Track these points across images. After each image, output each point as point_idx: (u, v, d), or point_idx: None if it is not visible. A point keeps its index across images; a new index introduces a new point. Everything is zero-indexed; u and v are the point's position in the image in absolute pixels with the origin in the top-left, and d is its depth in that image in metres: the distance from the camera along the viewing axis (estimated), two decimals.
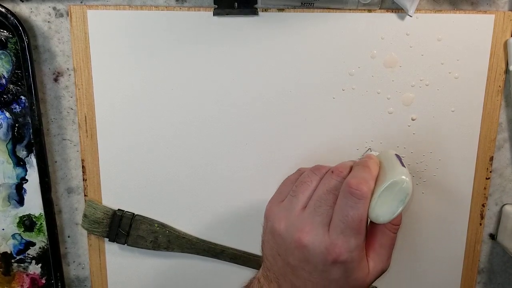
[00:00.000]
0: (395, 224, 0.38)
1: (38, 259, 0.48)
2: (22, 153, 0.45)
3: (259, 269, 0.48)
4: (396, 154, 0.40)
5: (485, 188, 0.48)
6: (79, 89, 0.44)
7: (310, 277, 0.36)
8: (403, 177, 0.36)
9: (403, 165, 0.38)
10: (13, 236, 0.47)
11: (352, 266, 0.35)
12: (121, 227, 0.46)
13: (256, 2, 0.42)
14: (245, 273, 0.49)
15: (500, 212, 0.50)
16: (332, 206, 0.36)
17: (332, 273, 0.35)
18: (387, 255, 0.38)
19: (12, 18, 0.41)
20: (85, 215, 0.46)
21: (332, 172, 0.38)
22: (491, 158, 0.47)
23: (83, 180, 0.46)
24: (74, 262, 0.50)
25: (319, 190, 0.37)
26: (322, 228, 0.35)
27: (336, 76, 0.44)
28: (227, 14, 0.42)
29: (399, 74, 0.44)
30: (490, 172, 0.47)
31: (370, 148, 0.47)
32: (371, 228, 0.38)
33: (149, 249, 0.47)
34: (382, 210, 0.36)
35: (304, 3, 0.42)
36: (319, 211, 0.36)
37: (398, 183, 0.36)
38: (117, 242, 0.47)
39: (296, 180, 0.40)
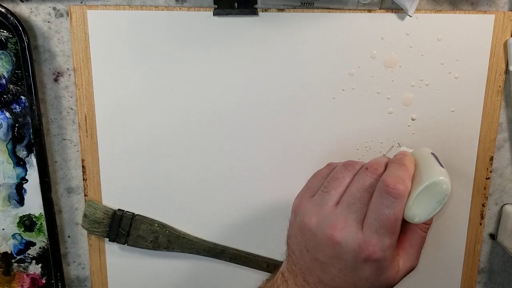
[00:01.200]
0: (427, 223, 0.38)
1: (38, 259, 0.48)
2: (22, 153, 0.45)
3: (259, 269, 0.48)
4: (432, 153, 0.39)
5: (485, 188, 0.48)
6: (79, 89, 0.44)
7: (339, 273, 0.36)
8: (443, 178, 0.35)
9: (441, 164, 0.37)
10: (13, 236, 0.47)
11: (384, 264, 0.35)
12: (121, 227, 0.46)
13: (256, 2, 0.42)
14: (245, 273, 0.49)
15: (500, 212, 0.50)
16: (367, 204, 0.35)
17: (363, 270, 0.35)
18: (416, 254, 0.38)
19: (12, 18, 0.41)
20: (85, 215, 0.46)
21: (367, 169, 0.37)
22: (491, 158, 0.47)
23: (83, 180, 0.46)
24: (74, 262, 0.50)
25: (353, 187, 0.36)
26: (355, 225, 0.35)
27: (336, 76, 0.44)
28: (227, 14, 0.42)
29: (399, 74, 0.44)
30: (490, 172, 0.47)
31: (399, 144, 0.46)
32: (402, 226, 0.37)
33: (149, 249, 0.47)
34: (419, 210, 0.35)
35: (304, 3, 0.42)
36: (353, 208, 0.35)
37: (438, 184, 0.35)
38: (117, 242, 0.47)
39: (327, 175, 0.39)
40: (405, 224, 0.37)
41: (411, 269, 0.38)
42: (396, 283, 0.37)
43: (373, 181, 0.36)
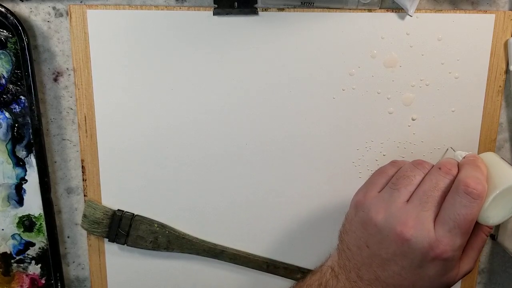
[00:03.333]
0: (490, 227, 0.38)
1: (37, 259, 0.48)
2: (21, 153, 0.45)
3: (259, 269, 0.48)
4: (502, 157, 0.39)
5: None
6: (78, 89, 0.44)
7: (400, 271, 0.36)
8: None
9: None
10: (13, 236, 0.47)
11: (451, 264, 0.35)
12: (121, 227, 0.46)
13: (256, 2, 0.42)
14: (245, 273, 0.49)
15: None
16: (440, 203, 0.36)
17: (428, 269, 0.35)
18: (475, 257, 0.38)
19: (11, 18, 0.41)
20: (84, 215, 0.46)
21: (440, 169, 0.37)
22: None
23: (83, 180, 0.46)
24: (74, 262, 0.49)
25: (426, 185, 0.37)
26: (428, 223, 0.35)
27: (336, 76, 0.44)
28: (227, 14, 0.42)
29: (399, 74, 0.44)
30: None
31: (451, 147, 0.45)
32: None
33: (149, 249, 0.47)
34: (494, 212, 0.36)
35: (304, 3, 0.42)
36: (425, 206, 0.35)
37: None
38: (117, 243, 0.47)
39: (393, 173, 0.39)
40: None
41: (469, 271, 0.38)
42: (453, 285, 0.37)
43: (447, 181, 0.36)
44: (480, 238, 0.38)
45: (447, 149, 0.46)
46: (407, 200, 0.37)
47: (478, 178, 0.35)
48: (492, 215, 0.36)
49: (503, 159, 0.39)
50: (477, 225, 0.37)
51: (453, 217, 0.34)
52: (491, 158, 0.39)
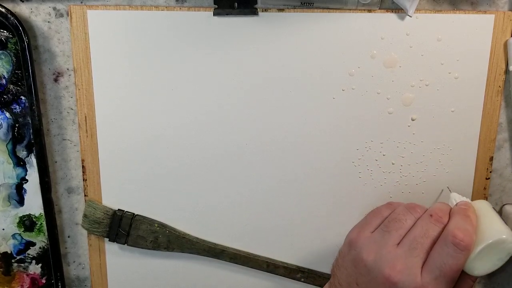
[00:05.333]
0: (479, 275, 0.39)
1: (38, 259, 0.48)
2: (22, 153, 0.45)
3: (259, 269, 0.48)
4: (493, 207, 0.40)
5: (485, 188, 0.48)
6: (79, 89, 0.44)
7: None
8: (507, 237, 0.36)
9: (503, 221, 0.38)
10: (13, 236, 0.47)
11: None
12: (121, 227, 0.46)
13: (256, 2, 0.42)
14: (245, 273, 0.49)
15: (500, 212, 0.50)
16: (428, 250, 0.37)
17: None
18: None
19: (12, 18, 0.41)
20: (85, 215, 0.46)
21: (431, 216, 0.38)
22: (491, 158, 0.47)
23: (83, 180, 0.46)
24: (74, 262, 0.50)
25: (416, 231, 0.38)
26: (415, 269, 0.36)
27: (336, 76, 0.44)
28: (227, 14, 0.42)
29: (399, 74, 0.44)
30: (490, 172, 0.47)
31: (449, 188, 0.47)
32: None
33: (149, 249, 0.47)
34: (480, 264, 0.37)
35: (304, 3, 0.42)
36: (414, 252, 0.37)
37: (504, 242, 0.36)
38: (117, 242, 0.47)
39: (387, 214, 0.41)
40: None
41: None
42: None
43: (437, 229, 0.38)
44: (467, 285, 0.39)
45: (443, 189, 0.47)
46: (398, 243, 0.38)
47: (466, 229, 0.37)
48: (478, 266, 0.37)
49: (494, 209, 0.40)
50: (464, 272, 0.38)
51: (439, 266, 0.36)
52: (482, 207, 0.40)
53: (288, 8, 0.43)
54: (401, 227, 0.39)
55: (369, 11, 0.43)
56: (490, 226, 0.38)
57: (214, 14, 0.43)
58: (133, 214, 0.47)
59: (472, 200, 0.44)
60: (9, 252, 0.48)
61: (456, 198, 0.43)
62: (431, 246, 0.37)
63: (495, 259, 0.37)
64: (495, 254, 0.37)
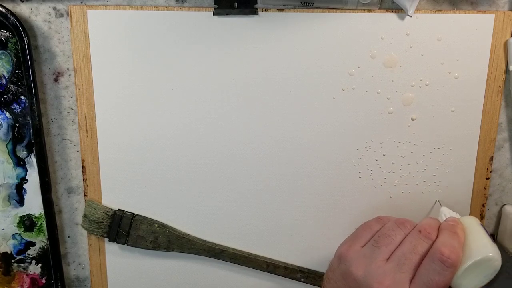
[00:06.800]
0: None
1: (38, 259, 0.48)
2: (22, 153, 0.45)
3: (259, 269, 0.48)
4: (481, 224, 0.41)
5: (485, 188, 0.48)
6: (79, 89, 0.44)
7: None
8: (492, 254, 0.37)
9: (491, 239, 0.39)
10: (13, 236, 0.47)
11: None
12: (121, 227, 0.46)
13: (256, 2, 0.42)
14: (245, 273, 0.49)
15: (500, 212, 0.50)
16: (416, 266, 0.37)
17: None
18: None
19: (12, 18, 0.41)
20: (85, 215, 0.46)
21: (420, 232, 0.39)
22: (491, 158, 0.47)
23: (83, 180, 0.46)
24: (74, 262, 0.50)
25: (405, 247, 0.38)
26: (403, 285, 0.37)
27: (336, 76, 0.44)
28: (227, 14, 0.42)
29: (399, 74, 0.44)
30: (490, 172, 0.47)
31: (438, 201, 0.47)
32: None
33: (149, 249, 0.47)
34: (467, 281, 0.37)
35: (304, 3, 0.42)
36: (402, 268, 0.37)
37: (489, 260, 0.37)
38: (117, 242, 0.47)
39: (377, 229, 0.41)
40: None
41: None
42: None
43: (426, 245, 0.38)
44: None
45: (435, 201, 0.47)
46: (387, 259, 0.38)
47: (453, 246, 0.37)
48: (465, 283, 0.37)
49: (482, 226, 0.40)
50: None
51: (426, 282, 0.36)
52: (471, 224, 0.40)
53: (288, 8, 0.43)
54: (391, 242, 0.39)
55: (369, 11, 0.43)
56: (477, 243, 0.38)
57: (214, 14, 0.43)
58: (133, 214, 0.47)
59: (473, 208, 0.44)
60: (9, 252, 0.48)
61: (445, 213, 0.43)
62: (419, 262, 0.37)
63: (482, 276, 0.37)
64: (481, 271, 0.37)
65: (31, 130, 0.44)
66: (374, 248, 0.39)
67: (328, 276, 0.42)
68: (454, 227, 0.39)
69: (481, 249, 0.37)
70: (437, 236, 0.39)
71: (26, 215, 0.47)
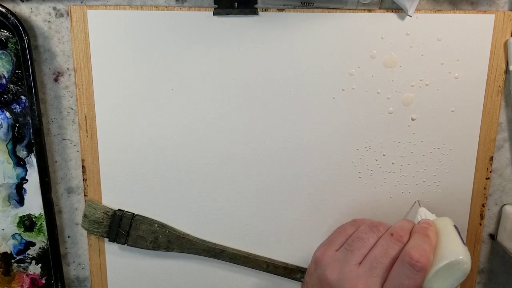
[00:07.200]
0: None
1: (38, 259, 0.48)
2: (22, 153, 0.45)
3: (259, 269, 0.48)
4: (455, 226, 0.40)
5: (485, 188, 0.48)
6: (79, 89, 0.44)
7: None
8: (463, 257, 0.37)
9: (462, 239, 0.38)
10: (13, 236, 0.47)
11: None
12: (121, 227, 0.46)
13: (256, 2, 0.42)
14: (245, 273, 0.49)
15: (500, 212, 0.50)
16: (388, 269, 0.37)
17: None
18: None
19: (12, 18, 0.41)
20: (85, 215, 0.46)
21: (392, 234, 0.39)
22: (491, 158, 0.47)
23: (83, 180, 0.46)
24: (74, 262, 0.50)
25: (377, 250, 0.38)
26: None
27: (336, 76, 0.44)
28: (227, 14, 0.42)
29: (399, 74, 0.44)
30: (490, 172, 0.47)
31: (418, 201, 0.47)
32: None
33: (149, 249, 0.47)
34: (438, 284, 0.37)
35: (304, 3, 0.42)
36: (374, 272, 0.37)
37: (459, 263, 0.36)
38: (117, 242, 0.47)
39: (352, 232, 0.41)
40: None
41: None
42: None
43: (397, 248, 0.38)
44: None
45: (415, 202, 0.47)
46: (360, 263, 0.38)
47: (424, 250, 0.37)
48: (436, 286, 0.37)
49: (455, 227, 0.40)
50: None
51: (397, 286, 0.36)
52: (445, 225, 0.40)
53: (288, 8, 0.43)
54: (363, 246, 0.39)
55: (369, 11, 0.43)
56: (448, 246, 0.38)
57: (214, 14, 0.43)
58: (133, 214, 0.47)
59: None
60: (9, 252, 0.48)
61: (422, 214, 0.43)
62: (391, 265, 0.37)
63: (453, 279, 0.37)
64: (452, 274, 0.37)
65: (31, 130, 0.44)
66: (347, 252, 0.39)
67: (306, 280, 0.42)
68: (426, 230, 0.39)
69: (452, 252, 0.37)
70: (408, 240, 0.39)
71: (26, 215, 0.47)
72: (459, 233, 0.39)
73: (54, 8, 0.43)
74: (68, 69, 0.45)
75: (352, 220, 0.44)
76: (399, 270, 0.36)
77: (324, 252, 0.41)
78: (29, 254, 0.48)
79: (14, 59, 0.43)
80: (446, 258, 0.37)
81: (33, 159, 0.45)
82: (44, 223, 0.47)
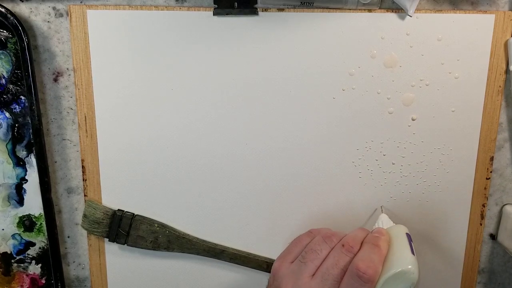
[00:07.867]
0: None
1: (38, 259, 0.48)
2: (22, 153, 0.45)
3: (259, 269, 0.48)
4: (407, 234, 0.40)
5: (485, 188, 0.48)
6: (79, 89, 0.44)
7: None
8: (411, 267, 0.37)
9: (412, 250, 0.38)
10: (13, 236, 0.47)
11: None
12: (121, 227, 0.46)
13: (256, 2, 0.42)
14: (245, 273, 0.49)
15: (501, 212, 0.50)
16: (339, 281, 0.37)
17: None
18: None
19: (12, 18, 0.41)
20: (85, 215, 0.46)
21: (343, 245, 0.39)
22: (492, 158, 0.47)
23: (83, 180, 0.46)
24: (74, 262, 0.50)
25: (328, 262, 0.38)
26: None
27: (336, 76, 0.44)
28: (227, 14, 0.42)
29: (399, 74, 0.44)
30: (491, 172, 0.47)
31: (382, 206, 0.47)
32: None
33: (149, 249, 0.47)
34: None
35: (304, 3, 0.42)
36: (326, 284, 0.37)
37: (406, 273, 0.37)
38: (117, 242, 0.47)
39: (307, 243, 0.41)
40: None
41: None
42: None
43: (347, 259, 0.38)
44: None
45: (376, 209, 0.47)
46: (313, 275, 0.39)
47: (371, 261, 0.37)
48: None
49: (408, 236, 0.40)
50: None
51: None
52: (397, 233, 0.40)
53: (288, 8, 0.43)
54: (316, 257, 0.39)
55: (369, 11, 0.43)
56: (397, 255, 0.38)
57: (214, 14, 0.42)
58: (133, 214, 0.47)
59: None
60: (9, 252, 0.48)
61: (380, 221, 0.43)
62: (342, 276, 0.38)
63: (402, 287, 0.37)
64: (400, 283, 0.37)
65: (31, 130, 0.44)
66: (301, 263, 0.40)
67: None
68: (376, 240, 0.39)
69: (400, 261, 0.37)
70: (358, 250, 0.39)
71: (26, 215, 0.47)
72: (410, 241, 0.40)
73: (54, 8, 0.43)
74: (67, 69, 0.45)
75: (308, 231, 0.44)
76: (348, 281, 0.37)
77: (280, 264, 0.41)
78: (29, 254, 0.48)
79: (14, 59, 0.43)
80: (394, 268, 0.37)
81: (32, 159, 0.45)
82: (44, 223, 0.47)
